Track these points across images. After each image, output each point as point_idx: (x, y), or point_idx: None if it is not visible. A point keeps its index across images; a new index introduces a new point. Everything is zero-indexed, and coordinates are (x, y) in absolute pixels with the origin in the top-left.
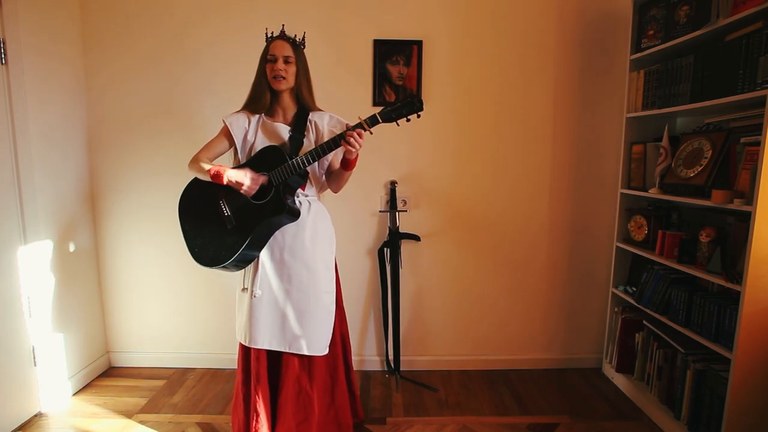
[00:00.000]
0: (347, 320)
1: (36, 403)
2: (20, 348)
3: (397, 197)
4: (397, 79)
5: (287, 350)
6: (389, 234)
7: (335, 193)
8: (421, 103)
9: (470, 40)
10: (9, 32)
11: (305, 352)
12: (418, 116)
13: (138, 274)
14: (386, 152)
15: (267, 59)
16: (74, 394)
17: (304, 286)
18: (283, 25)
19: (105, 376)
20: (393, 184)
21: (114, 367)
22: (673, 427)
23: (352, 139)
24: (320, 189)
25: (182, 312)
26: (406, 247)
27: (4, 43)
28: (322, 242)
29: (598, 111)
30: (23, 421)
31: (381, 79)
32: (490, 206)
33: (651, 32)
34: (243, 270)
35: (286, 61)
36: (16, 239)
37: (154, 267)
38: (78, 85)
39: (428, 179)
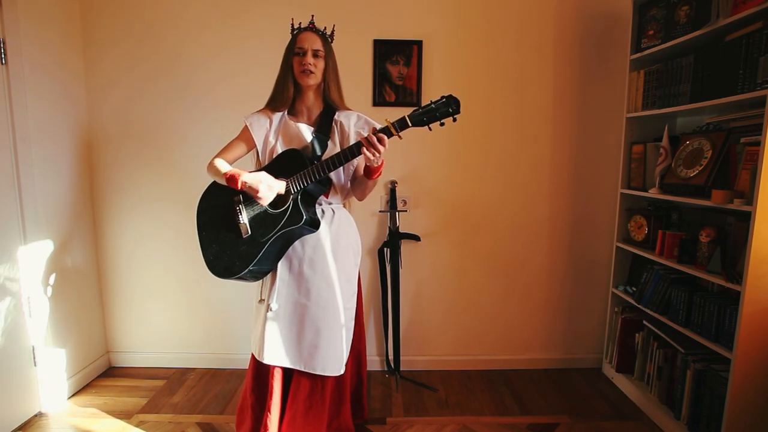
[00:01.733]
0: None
1: (36, 403)
2: (20, 348)
3: (397, 197)
4: (397, 79)
5: (302, 369)
6: (389, 234)
7: (360, 200)
8: (458, 105)
9: (470, 40)
10: (9, 32)
11: (321, 373)
12: (454, 120)
13: (138, 274)
14: (386, 152)
15: (294, 52)
16: (74, 394)
17: (324, 302)
18: (312, 16)
19: (105, 376)
20: (393, 184)
21: (114, 367)
22: (673, 427)
23: (370, 146)
24: (345, 196)
25: (182, 312)
26: (406, 247)
27: (4, 43)
28: (345, 254)
29: (598, 111)
30: (23, 421)
31: (381, 79)
32: (490, 206)
33: (651, 32)
34: (261, 280)
35: (316, 55)
36: (16, 239)
37: (155, 267)
38: (78, 84)
39: (428, 179)
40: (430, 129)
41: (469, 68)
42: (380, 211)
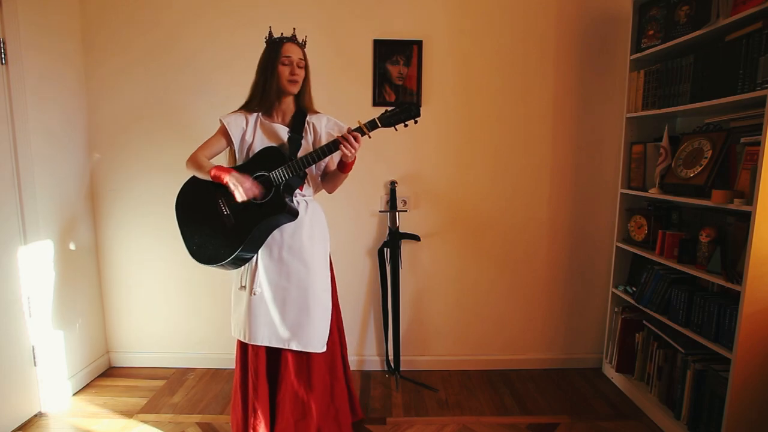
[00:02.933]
0: (344, 320)
1: (36, 403)
2: (20, 348)
3: (397, 197)
4: (397, 79)
5: (286, 347)
6: (389, 234)
7: (329, 193)
8: (418, 109)
9: (470, 40)
10: (9, 32)
11: (304, 349)
12: (415, 122)
13: (138, 274)
14: (386, 152)
15: (281, 62)
16: (74, 394)
17: (303, 284)
18: (294, 29)
19: (105, 376)
20: (393, 184)
21: (114, 367)
22: (673, 427)
23: (347, 143)
24: (316, 189)
25: (182, 312)
26: (406, 247)
27: (4, 43)
28: (319, 241)
29: (598, 111)
30: (23, 421)
31: (381, 79)
32: (490, 206)
33: (651, 32)
34: (240, 268)
35: (299, 66)
36: (16, 239)
37: (155, 267)
38: (78, 84)
39: (428, 179)
40: (396, 129)
41: (469, 68)
42: (380, 211)
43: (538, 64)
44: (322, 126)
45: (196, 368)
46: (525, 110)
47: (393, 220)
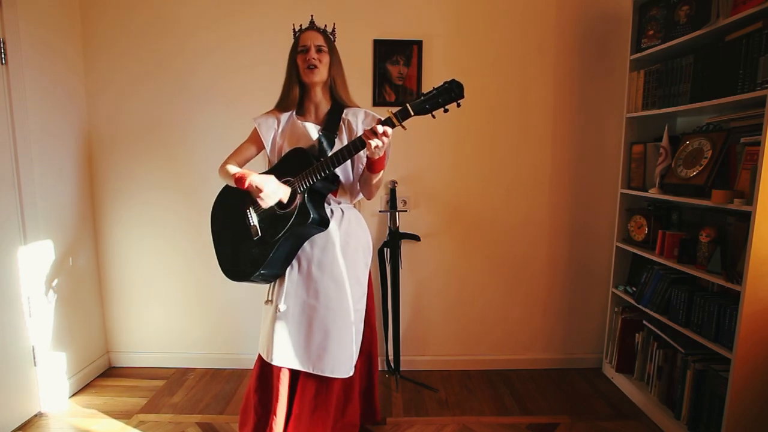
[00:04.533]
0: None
1: (36, 403)
2: (20, 348)
3: (397, 197)
4: (397, 79)
5: (310, 371)
6: (389, 234)
7: (368, 199)
8: (460, 88)
9: (470, 40)
10: (9, 32)
11: (330, 375)
12: (458, 105)
13: (138, 274)
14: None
15: (298, 51)
16: (74, 394)
17: (333, 303)
18: (312, 16)
19: (105, 376)
20: (393, 184)
21: (114, 367)
22: (673, 427)
23: (373, 136)
24: (354, 195)
25: (182, 312)
26: (406, 247)
27: (4, 43)
28: (355, 254)
29: (598, 111)
30: (23, 421)
31: (381, 79)
32: (490, 206)
33: (651, 32)
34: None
35: (319, 50)
36: (16, 239)
37: (155, 267)
38: (78, 84)
39: (428, 179)
40: (433, 117)
41: (468, 68)
42: (380, 211)
43: (538, 64)
44: (359, 122)
45: (196, 368)
46: (525, 110)
47: (393, 220)
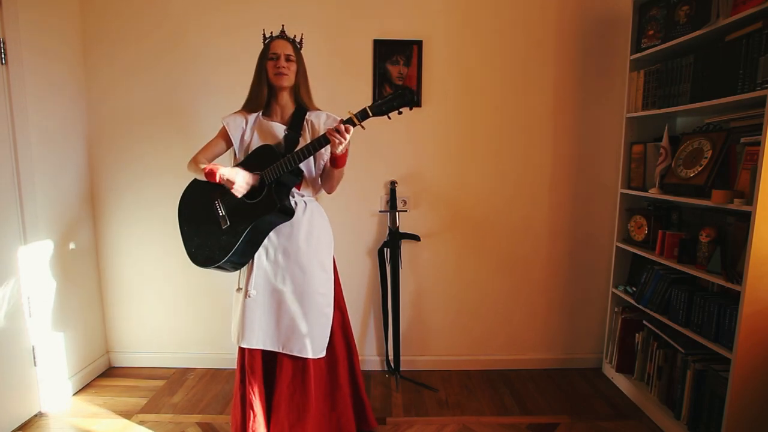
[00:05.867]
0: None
1: (36, 403)
2: (20, 348)
3: (397, 197)
4: (398, 79)
5: (280, 350)
6: (389, 234)
7: (329, 193)
8: (412, 94)
9: (470, 40)
10: (9, 32)
11: (299, 354)
12: (411, 109)
13: (138, 274)
14: (386, 152)
15: (268, 57)
16: (74, 394)
17: (299, 288)
18: (282, 26)
19: (105, 376)
20: (393, 184)
21: (114, 367)
22: (673, 427)
23: (336, 133)
24: (316, 189)
25: (182, 312)
26: (406, 247)
27: (4, 43)
28: (318, 243)
29: (598, 111)
30: (23, 421)
31: (381, 79)
32: (490, 206)
33: (651, 32)
34: (239, 270)
35: (288, 59)
36: (16, 239)
37: (155, 267)
38: (78, 84)
39: (428, 179)
40: (389, 118)
41: (468, 68)
42: (380, 211)
43: (538, 64)
44: (321, 123)
45: (196, 368)
46: (525, 110)
47: (393, 220)
